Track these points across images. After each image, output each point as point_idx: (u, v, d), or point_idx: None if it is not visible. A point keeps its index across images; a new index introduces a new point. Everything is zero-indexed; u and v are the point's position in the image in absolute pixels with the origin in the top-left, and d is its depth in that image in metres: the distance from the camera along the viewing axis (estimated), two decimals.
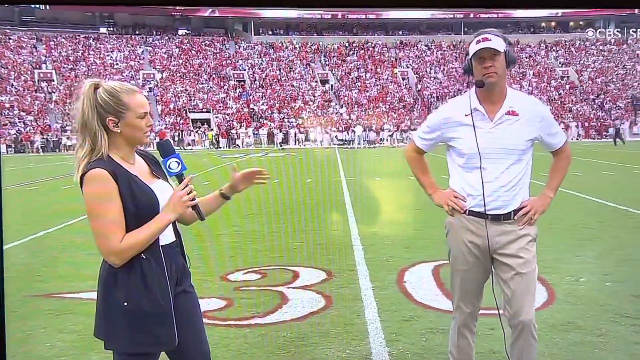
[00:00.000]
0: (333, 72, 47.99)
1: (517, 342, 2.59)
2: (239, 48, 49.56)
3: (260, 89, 44.66)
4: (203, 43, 48.89)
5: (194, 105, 41.32)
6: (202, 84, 43.89)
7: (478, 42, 2.57)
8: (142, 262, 1.94)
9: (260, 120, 39.72)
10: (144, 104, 2.02)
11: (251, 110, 41.40)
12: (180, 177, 2.06)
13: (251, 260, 5.60)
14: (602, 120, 40.21)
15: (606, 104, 43.69)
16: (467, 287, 2.70)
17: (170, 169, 2.06)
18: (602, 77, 48.12)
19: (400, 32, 55.08)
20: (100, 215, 1.89)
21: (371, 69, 48.81)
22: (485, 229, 2.62)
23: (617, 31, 54.91)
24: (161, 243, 2.00)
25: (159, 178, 2.09)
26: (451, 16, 54.85)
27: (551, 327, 3.69)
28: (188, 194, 2.01)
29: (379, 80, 47.10)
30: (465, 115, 2.61)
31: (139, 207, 1.94)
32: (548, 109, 2.79)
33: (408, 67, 49.83)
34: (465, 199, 2.66)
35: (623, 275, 4.95)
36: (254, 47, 49.89)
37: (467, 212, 2.66)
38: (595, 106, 43.30)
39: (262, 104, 42.23)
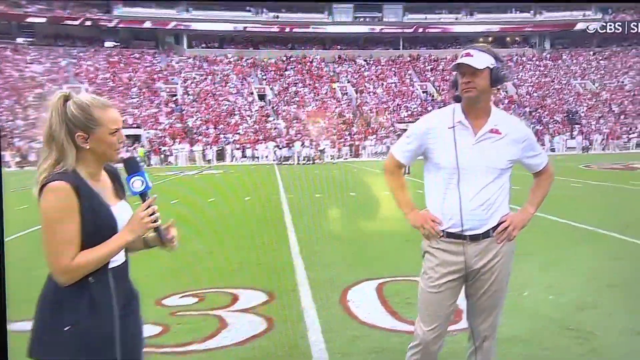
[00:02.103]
0: (271, 86, 47.86)
1: (478, 355, 2.68)
2: (171, 61, 48.89)
3: (194, 103, 44.02)
4: (132, 56, 47.89)
5: (123, 121, 39.89)
6: (132, 98, 42.76)
7: (461, 55, 2.59)
8: (90, 283, 1.89)
9: (195, 136, 39.13)
10: (117, 120, 2.00)
11: (185, 125, 40.72)
12: (143, 197, 2.02)
13: (187, 283, 5.46)
14: (539, 135, 41.15)
15: (544, 118, 45.25)
16: (437, 310, 2.66)
17: (133, 187, 2.01)
18: (539, 91, 49.81)
19: (339, 47, 55.45)
20: (56, 231, 1.82)
21: (310, 84, 49.15)
22: (463, 251, 2.62)
23: (552, 47, 57.22)
24: (110, 265, 1.95)
25: (121, 199, 2.05)
26: (390, 31, 55.49)
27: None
28: (150, 215, 1.97)
29: (318, 95, 47.44)
30: (449, 128, 2.61)
31: (97, 227, 1.90)
32: (531, 131, 2.78)
33: (347, 82, 50.39)
34: (442, 223, 2.65)
35: (566, 288, 5.04)
36: (187, 61, 49.32)
37: (444, 234, 2.65)
38: (533, 120, 44.77)
39: (197, 119, 41.62)
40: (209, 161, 34.54)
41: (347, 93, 49.01)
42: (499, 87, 2.63)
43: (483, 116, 2.62)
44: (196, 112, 42.56)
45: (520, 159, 2.69)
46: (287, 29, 53.23)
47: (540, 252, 6.62)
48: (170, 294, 5.08)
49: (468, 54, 2.58)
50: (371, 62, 54.45)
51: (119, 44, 49.22)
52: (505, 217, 2.65)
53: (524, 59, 56.20)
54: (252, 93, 46.57)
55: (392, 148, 2.85)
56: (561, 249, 6.86)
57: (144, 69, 46.92)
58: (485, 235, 2.62)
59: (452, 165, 2.58)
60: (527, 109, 46.88)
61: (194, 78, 47.06)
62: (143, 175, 2.03)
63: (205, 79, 47.27)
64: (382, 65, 53.60)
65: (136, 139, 38.10)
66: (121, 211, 2.00)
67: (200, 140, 37.83)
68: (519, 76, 52.83)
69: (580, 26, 54.60)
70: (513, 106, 47.06)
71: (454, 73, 2.66)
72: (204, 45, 52.38)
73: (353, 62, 54.05)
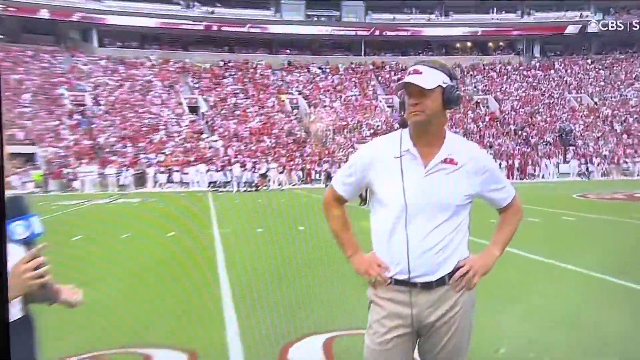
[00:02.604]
0: (204, 97, 48.06)
1: None
2: (77, 62, 48.25)
3: (107, 115, 43.25)
4: (23, 53, 46.68)
5: (10, 136, 38.64)
6: (24, 107, 41.37)
7: (409, 72, 2.65)
8: None
9: (107, 155, 38.39)
10: None
11: (94, 143, 40.00)
12: (29, 245, 1.96)
13: (87, 341, 5.33)
14: (527, 158, 42.42)
15: (532, 138, 46.12)
16: None
17: (15, 234, 1.95)
18: (527, 107, 50.89)
19: (288, 51, 56.30)
20: None
21: (253, 95, 49.61)
22: (413, 301, 2.67)
23: (543, 54, 58.73)
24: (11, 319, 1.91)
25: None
26: (350, 34, 56.41)
27: None
28: (36, 268, 1.91)
29: (263, 108, 47.91)
30: (395, 158, 2.67)
31: None
32: (493, 160, 2.89)
33: (298, 94, 50.76)
34: (389, 268, 2.70)
35: (552, 344, 5.04)
36: (98, 62, 48.77)
37: (391, 281, 2.70)
38: (520, 141, 45.72)
39: (110, 136, 40.85)
40: (124, 187, 34.15)
41: (298, 106, 49.53)
42: (453, 108, 2.69)
43: (435, 143, 2.69)
44: (109, 127, 41.88)
45: (480, 193, 2.76)
46: (225, 28, 53.69)
47: (521, 298, 6.64)
48: (65, 357, 4.93)
49: (416, 71, 2.64)
50: (327, 70, 55.47)
51: (3, 36, 47.60)
52: (464, 261, 2.72)
53: (508, 68, 57.69)
54: (180, 104, 46.60)
55: (333, 179, 2.90)
56: (546, 295, 6.90)
57: (40, 71, 45.74)
58: (440, 282, 2.68)
59: (399, 202, 2.64)
60: (512, 127, 47.79)
61: (107, 84, 46.58)
62: (27, 218, 1.97)
63: (122, 85, 46.93)
64: (341, 74, 54.85)
65: (28, 158, 36.57)
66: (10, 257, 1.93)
67: (114, 162, 37.18)
68: (503, 88, 54.18)
69: (573, 29, 55.97)
70: (495, 124, 48.03)
71: (402, 94, 2.71)
72: (120, 43, 52.08)
73: (306, 70, 54.95)
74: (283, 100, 49.42)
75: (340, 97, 51.00)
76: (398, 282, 2.69)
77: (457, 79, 2.71)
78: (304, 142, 43.15)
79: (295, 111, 48.66)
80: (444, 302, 2.68)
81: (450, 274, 2.69)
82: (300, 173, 37.63)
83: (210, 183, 34.64)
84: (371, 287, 2.77)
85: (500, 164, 39.56)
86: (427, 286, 2.66)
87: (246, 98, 48.86)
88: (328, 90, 51.91)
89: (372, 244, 2.80)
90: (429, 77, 2.61)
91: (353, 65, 55.94)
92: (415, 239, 2.63)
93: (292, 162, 38.57)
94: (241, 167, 35.48)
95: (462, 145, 2.73)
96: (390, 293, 2.70)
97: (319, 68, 55.40)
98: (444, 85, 2.63)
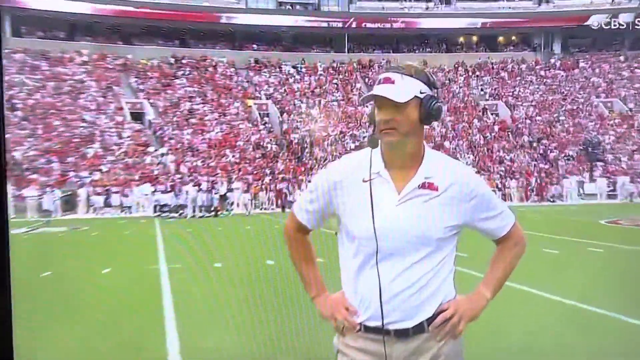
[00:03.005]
0: (151, 101, 47.77)
1: None
2: None
3: (24, 123, 42.61)
4: None
5: None
6: None
7: (379, 82, 2.68)
8: None
9: (26, 173, 37.91)
10: None
11: (10, 157, 39.14)
12: None
13: None
14: (546, 176, 42.24)
15: (551, 152, 45.85)
16: None
17: None
18: (545, 114, 50.85)
19: (255, 47, 56.64)
20: None
21: (212, 99, 49.81)
22: (387, 352, 2.70)
23: (565, 51, 58.45)
24: None
25: None
26: (331, 25, 56.61)
27: None
28: None
29: (224, 116, 48.22)
30: (363, 182, 2.72)
31: None
32: (483, 182, 2.90)
33: (268, 98, 50.95)
34: (358, 312, 2.74)
35: None
36: (12, 57, 47.83)
37: (361, 327, 2.74)
38: (536, 156, 45.55)
39: (30, 148, 40.27)
40: (47, 213, 33.57)
41: (268, 114, 49.78)
42: (431, 123, 2.72)
43: (410, 164, 2.73)
44: (29, 138, 41.25)
45: (469, 223, 2.80)
46: (178, 17, 53.42)
47: (538, 347, 6.60)
48: None
49: (387, 80, 2.67)
50: (303, 69, 55.98)
51: None
52: (447, 303, 2.74)
53: (522, 67, 58.01)
54: (121, 110, 46.19)
55: (294, 204, 2.98)
56: (568, 344, 6.91)
57: None
58: (418, 329, 2.70)
59: (368, 234, 2.67)
60: (527, 139, 47.76)
61: (25, 84, 45.92)
62: None
63: (44, 86, 46.54)
64: (320, 75, 55.36)
65: None
66: None
67: (34, 181, 36.56)
68: (515, 92, 54.22)
69: (602, 20, 54.64)
70: (506, 135, 47.96)
71: (370, 106, 2.79)
72: (41, 33, 51.41)
73: (277, 69, 55.46)
74: (249, 106, 49.81)
75: (320, 102, 51.20)
76: (369, 330, 2.72)
77: (437, 87, 2.75)
78: (275, 157, 43.29)
79: (265, 119, 48.86)
80: (424, 353, 2.70)
81: (431, 320, 2.71)
82: (270, 194, 37.69)
83: (157, 207, 34.17)
84: (338, 334, 2.81)
85: (510, 184, 40.22)
86: (403, 334, 2.69)
87: (203, 103, 49.13)
88: (304, 94, 52.42)
89: (341, 284, 2.85)
90: (403, 88, 2.65)
91: (335, 64, 56.39)
92: (388, 279, 2.66)
93: (260, 181, 38.59)
94: (197, 187, 35.50)
95: (444, 165, 2.76)
96: (360, 342, 2.74)
97: (294, 67, 55.89)
98: (421, 96, 2.67)
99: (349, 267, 2.76)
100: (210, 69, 53.67)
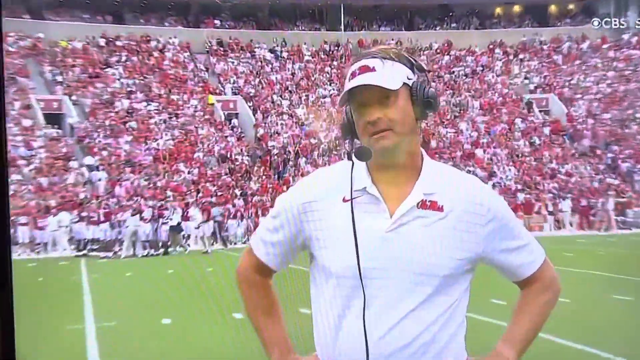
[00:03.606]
0: (73, 97, 47.23)
1: None
2: None
3: None
4: None
5: None
6: None
7: (353, 74, 2.76)
8: None
9: None
10: None
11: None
12: None
13: None
14: (617, 195, 41.81)
15: (623, 162, 46.02)
16: None
17: None
18: (613, 110, 51.09)
19: (218, 22, 57.19)
20: None
21: (159, 95, 50.02)
22: None
23: None
24: None
25: None
26: None
27: None
28: None
29: (177, 117, 48.37)
30: (344, 202, 2.77)
31: None
32: (502, 201, 2.95)
33: (235, 94, 51.70)
34: None
35: None
36: None
37: None
38: (601, 165, 45.98)
39: None
40: None
41: (237, 114, 50.73)
42: (428, 116, 2.83)
43: (406, 177, 2.80)
44: None
45: (487, 255, 2.83)
46: None
47: None
48: None
49: (365, 69, 2.74)
50: (284, 54, 57.08)
51: None
52: None
53: (583, 46, 58.12)
54: (29, 108, 45.69)
55: (252, 238, 3.03)
56: None
57: None
58: None
59: (351, 272, 2.69)
60: (589, 144, 48.00)
61: None
62: None
63: None
64: (307, 61, 56.61)
65: None
66: None
67: None
68: (573, 81, 54.43)
69: None
70: (561, 139, 48.49)
71: (345, 109, 2.86)
72: None
73: (248, 54, 56.44)
74: (211, 104, 50.43)
75: (307, 98, 52.46)
76: None
77: (424, 70, 2.82)
78: (247, 173, 43.51)
79: (233, 122, 49.52)
80: None
81: None
82: (239, 222, 37.48)
83: (83, 243, 33.72)
84: None
85: (565, 206, 40.27)
86: None
87: (148, 100, 49.13)
88: (286, 88, 53.13)
89: (314, 338, 2.89)
90: (388, 74, 2.72)
91: (327, 46, 57.31)
92: (378, 332, 2.67)
93: (226, 206, 38.27)
94: (139, 215, 34.76)
95: (449, 178, 2.82)
96: None
97: (271, 51, 56.69)
98: (410, 82, 2.75)
99: (325, 318, 2.77)
100: (156, 53, 53.82)
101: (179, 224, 34.40)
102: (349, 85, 2.71)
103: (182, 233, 33.88)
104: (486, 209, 2.77)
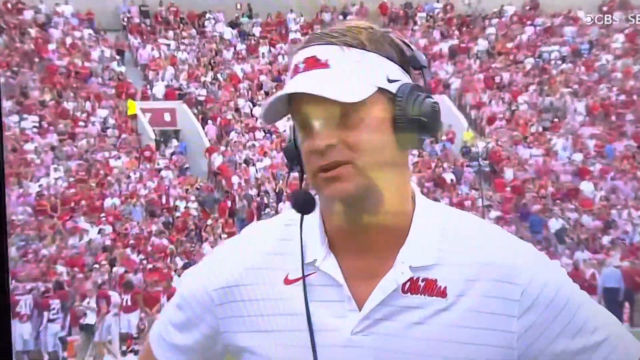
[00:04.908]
0: None
1: None
2: None
3: None
4: None
5: None
6: None
7: (296, 69, 2.30)
8: None
9: None
10: None
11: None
12: None
13: None
14: None
15: None
16: None
17: None
18: None
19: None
20: None
21: (40, 103, 44.87)
22: None
23: None
24: None
25: None
26: None
27: None
28: None
29: (75, 139, 43.57)
30: (286, 284, 2.37)
31: None
32: (558, 273, 2.35)
33: (176, 98, 47.47)
34: None
35: None
36: None
37: None
38: None
39: None
40: None
41: (177, 132, 48.44)
42: (423, 144, 2.39)
43: (385, 240, 2.31)
44: None
45: (527, 355, 2.35)
46: None
47: None
48: None
49: (314, 62, 2.25)
50: (254, 28, 54.77)
51: None
52: None
53: None
54: None
55: (151, 329, 2.75)
56: None
57: None
58: None
59: None
60: None
61: None
62: None
63: None
64: (291, 40, 53.26)
65: None
66: None
67: None
68: None
69: None
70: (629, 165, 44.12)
71: (290, 124, 2.54)
72: None
73: (194, 30, 53.47)
74: (132, 115, 45.33)
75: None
76: None
77: (421, 65, 2.33)
78: (196, 229, 38.67)
79: (172, 143, 45.60)
80: None
81: None
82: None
83: None
84: None
85: None
86: None
87: (20, 112, 42.94)
88: (259, 87, 49.50)
89: None
90: (352, 71, 2.22)
91: (327, 15, 53.18)
92: None
93: (158, 287, 32.82)
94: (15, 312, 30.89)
95: (460, 239, 2.33)
96: None
97: (232, 25, 52.78)
98: (391, 87, 2.22)
99: None
100: (34, 29, 48.12)
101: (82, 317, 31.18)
102: (286, 88, 2.25)
103: (95, 330, 30.94)
104: (520, 290, 2.24)
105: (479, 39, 53.63)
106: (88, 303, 30.46)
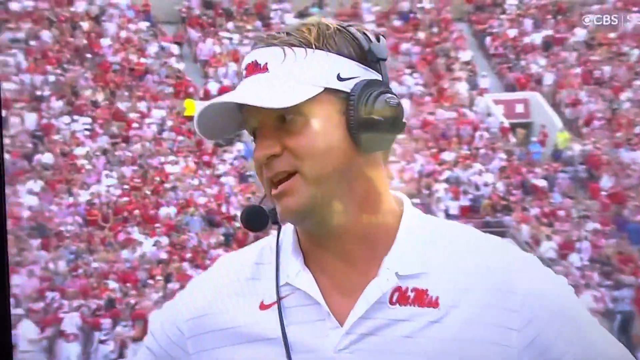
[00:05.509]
0: None
1: None
2: None
3: None
4: None
5: None
6: None
7: (243, 74, 2.41)
8: None
9: None
10: None
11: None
12: None
13: None
14: None
15: None
16: None
17: None
18: None
19: None
20: None
21: (93, 103, 43.00)
22: None
23: None
24: None
25: None
26: None
27: None
28: None
29: (130, 143, 42.63)
30: (261, 309, 2.34)
31: None
32: (559, 283, 2.36)
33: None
34: None
35: None
36: None
37: None
38: None
39: None
40: None
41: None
42: (389, 141, 2.31)
43: (367, 249, 2.29)
44: None
45: None
46: None
47: None
48: None
49: (255, 67, 2.27)
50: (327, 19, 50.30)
51: None
52: None
53: None
54: None
55: None
56: None
57: None
58: None
59: None
60: None
61: None
62: None
63: None
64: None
65: None
66: None
67: None
68: None
69: None
70: None
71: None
72: None
73: (259, 22, 50.15)
74: (191, 117, 37.55)
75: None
76: None
77: (379, 58, 2.27)
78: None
79: (236, 147, 42.64)
80: None
81: None
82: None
83: None
84: None
85: None
86: None
87: (70, 113, 41.45)
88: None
89: None
90: (290, 74, 2.22)
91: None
92: None
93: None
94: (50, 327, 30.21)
95: (453, 246, 2.33)
96: None
97: (300, 16, 44.95)
98: (342, 86, 2.21)
99: None
100: (85, 22, 45.78)
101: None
102: (224, 96, 2.26)
103: None
104: (520, 300, 2.23)
105: (577, 28, 49.38)
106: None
